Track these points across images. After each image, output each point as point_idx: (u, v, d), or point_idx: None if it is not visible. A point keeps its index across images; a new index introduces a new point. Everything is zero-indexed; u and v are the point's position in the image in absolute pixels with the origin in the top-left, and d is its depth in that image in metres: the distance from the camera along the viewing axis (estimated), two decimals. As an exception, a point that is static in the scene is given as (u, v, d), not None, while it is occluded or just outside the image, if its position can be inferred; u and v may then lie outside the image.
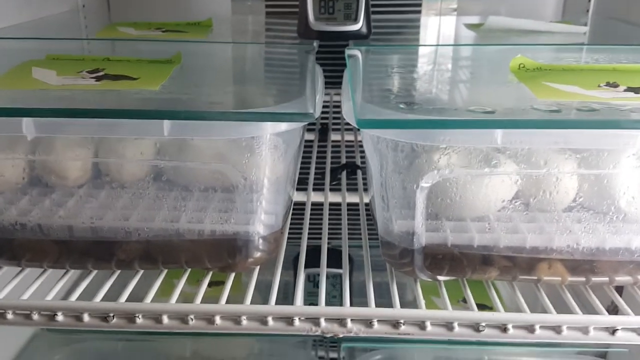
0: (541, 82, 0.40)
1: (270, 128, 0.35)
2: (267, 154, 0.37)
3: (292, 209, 0.51)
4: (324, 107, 0.71)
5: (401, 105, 0.36)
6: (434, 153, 0.35)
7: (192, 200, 0.39)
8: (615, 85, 0.39)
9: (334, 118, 0.80)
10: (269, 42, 0.57)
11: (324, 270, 0.41)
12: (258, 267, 0.42)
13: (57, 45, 0.52)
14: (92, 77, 0.39)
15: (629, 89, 0.38)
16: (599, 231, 0.38)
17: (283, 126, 0.36)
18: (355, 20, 0.58)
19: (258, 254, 0.41)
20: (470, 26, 0.66)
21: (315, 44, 0.59)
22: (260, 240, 0.41)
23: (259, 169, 0.37)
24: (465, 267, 0.40)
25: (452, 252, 0.39)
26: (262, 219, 0.40)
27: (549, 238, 0.38)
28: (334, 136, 0.75)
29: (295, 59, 0.51)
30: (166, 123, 0.33)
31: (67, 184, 0.41)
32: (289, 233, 0.48)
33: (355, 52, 0.52)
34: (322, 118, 0.75)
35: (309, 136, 0.74)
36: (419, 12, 0.89)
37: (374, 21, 0.71)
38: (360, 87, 0.39)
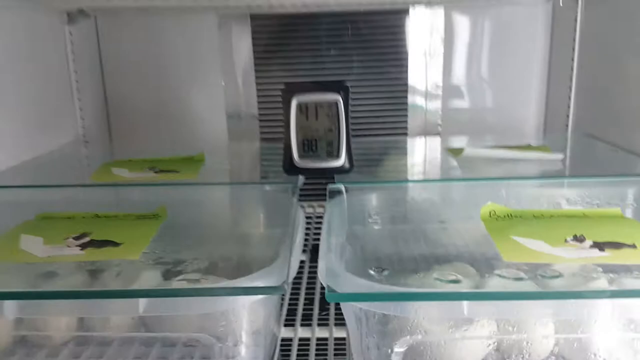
0: (509, 235, 0.41)
1: (245, 298, 0.36)
2: (244, 319, 0.38)
3: (279, 346, 0.51)
4: (317, 222, 0.72)
5: (371, 271, 0.37)
6: (406, 319, 0.36)
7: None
8: (581, 240, 0.40)
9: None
10: (253, 182, 0.60)
11: None
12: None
13: (51, 194, 0.55)
14: (77, 245, 0.41)
15: (595, 245, 0.39)
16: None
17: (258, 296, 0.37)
18: (337, 157, 0.60)
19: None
20: (451, 152, 0.69)
21: (301, 179, 0.61)
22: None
23: (235, 332, 0.38)
24: None
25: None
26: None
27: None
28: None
29: (279, 203, 0.53)
30: (141, 301, 0.34)
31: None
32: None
33: (337, 189, 0.54)
34: (315, 236, 0.77)
35: (302, 256, 0.75)
36: (405, 126, 0.93)
37: (362, 142, 0.75)
38: (333, 244, 0.41)
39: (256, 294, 0.35)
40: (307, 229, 0.74)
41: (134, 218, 0.47)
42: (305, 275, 0.70)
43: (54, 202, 0.53)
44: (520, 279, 0.35)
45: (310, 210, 0.82)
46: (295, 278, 0.66)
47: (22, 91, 0.71)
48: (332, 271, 0.36)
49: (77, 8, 0.81)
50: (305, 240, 0.70)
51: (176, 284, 0.37)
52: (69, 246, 0.41)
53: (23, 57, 0.72)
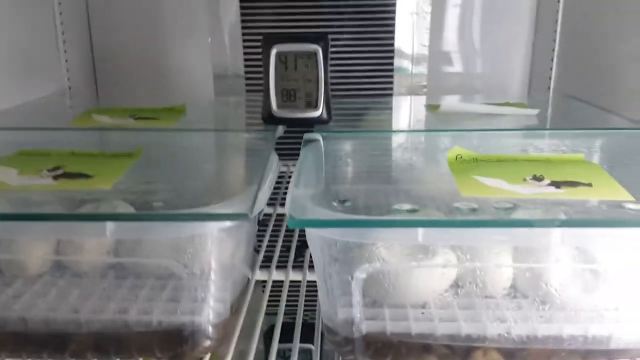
0: (471, 175, 0.42)
1: (211, 225, 0.38)
2: (211, 248, 0.39)
3: (250, 289, 0.53)
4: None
5: (334, 203, 0.38)
6: (365, 248, 0.37)
7: (141, 293, 0.41)
8: (540, 179, 0.41)
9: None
10: (232, 129, 0.61)
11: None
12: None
13: (31, 137, 0.56)
14: (50, 176, 0.42)
15: (552, 183, 0.40)
16: (531, 319, 0.40)
17: (225, 223, 0.38)
18: (316, 107, 0.61)
19: (207, 342, 0.43)
20: (428, 107, 0.70)
21: (281, 128, 0.62)
22: (210, 328, 0.42)
23: (203, 261, 0.39)
24: (405, 355, 0.41)
25: (391, 340, 0.40)
26: (209, 307, 0.42)
27: (483, 326, 0.40)
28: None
29: (254, 149, 0.54)
30: (109, 225, 0.35)
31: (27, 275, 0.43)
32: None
33: (313, 137, 0.55)
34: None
35: (281, 210, 0.76)
36: (391, 89, 0.94)
37: (345, 102, 0.76)
38: (303, 181, 0.42)
39: (220, 220, 0.36)
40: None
41: (108, 156, 0.48)
42: (283, 228, 0.71)
43: (34, 144, 0.54)
44: (475, 210, 0.36)
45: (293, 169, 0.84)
46: (273, 230, 0.68)
47: (6, 40, 0.71)
48: (297, 202, 0.38)
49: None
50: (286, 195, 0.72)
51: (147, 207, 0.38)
52: (42, 177, 0.42)
53: (7, 6, 0.72)
